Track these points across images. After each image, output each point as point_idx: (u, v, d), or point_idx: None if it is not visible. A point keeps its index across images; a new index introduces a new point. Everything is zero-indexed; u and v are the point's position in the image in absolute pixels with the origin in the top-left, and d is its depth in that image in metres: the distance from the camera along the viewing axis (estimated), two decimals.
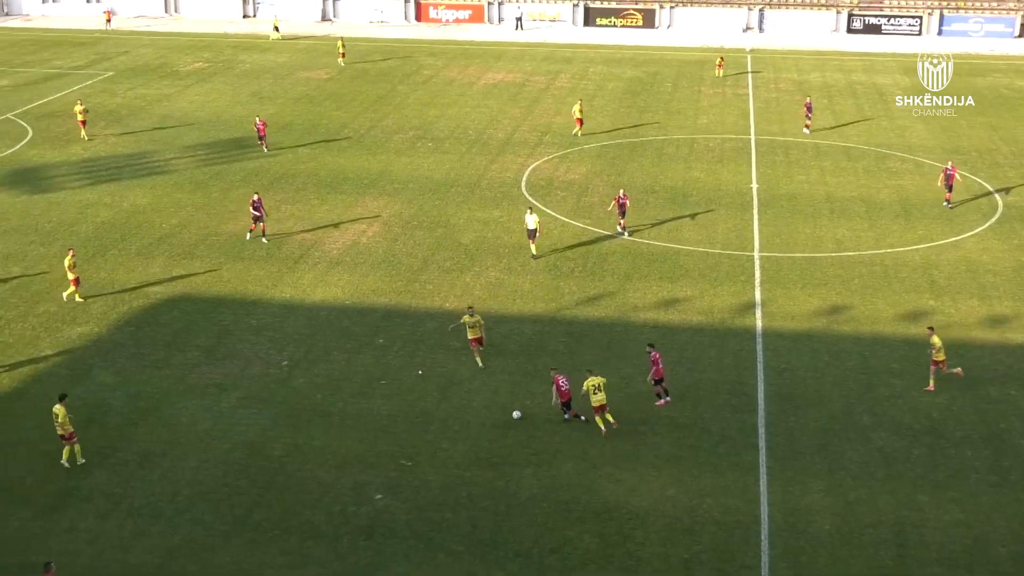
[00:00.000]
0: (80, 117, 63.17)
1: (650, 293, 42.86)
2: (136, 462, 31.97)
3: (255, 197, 48.63)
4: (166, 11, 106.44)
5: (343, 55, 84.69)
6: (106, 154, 60.65)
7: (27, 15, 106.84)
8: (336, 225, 50.08)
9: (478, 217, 51.09)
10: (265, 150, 60.74)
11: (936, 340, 35.98)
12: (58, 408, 31.64)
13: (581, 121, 64.13)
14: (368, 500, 30.33)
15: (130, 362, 37.70)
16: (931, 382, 35.96)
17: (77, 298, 42.18)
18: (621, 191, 49.47)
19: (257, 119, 62.54)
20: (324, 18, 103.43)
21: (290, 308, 41.69)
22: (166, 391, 35.84)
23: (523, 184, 55.73)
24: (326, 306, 42.02)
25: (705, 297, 42.73)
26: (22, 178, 56.73)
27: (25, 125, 66.50)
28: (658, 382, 35.00)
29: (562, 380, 34.12)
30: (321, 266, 45.50)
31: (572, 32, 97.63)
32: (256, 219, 48.28)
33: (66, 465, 31.67)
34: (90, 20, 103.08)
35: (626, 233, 48.46)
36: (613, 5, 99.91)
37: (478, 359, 37.41)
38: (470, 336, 37.63)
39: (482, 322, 37.90)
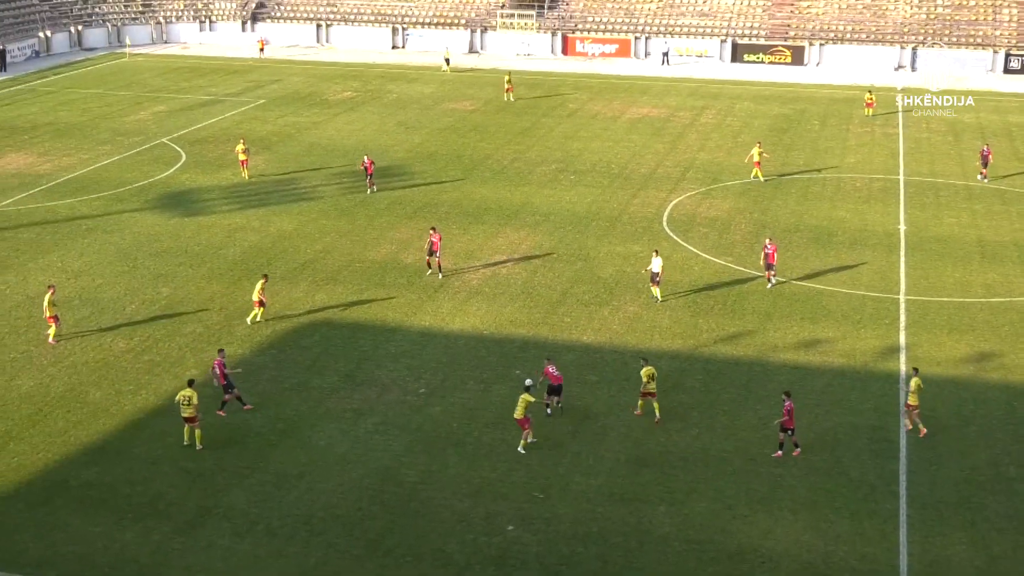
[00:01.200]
0: (242, 156, 62.07)
1: (790, 333, 42.33)
2: (273, 483, 32.60)
3: (432, 233, 47.78)
4: (318, 41, 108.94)
5: (510, 89, 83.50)
6: (255, 180, 62.18)
7: (185, 43, 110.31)
8: (477, 255, 50.55)
9: (618, 251, 51.09)
10: (373, 189, 59.68)
11: (914, 383, 34.97)
12: (191, 392, 34.18)
13: (759, 164, 61.88)
14: (500, 530, 30.45)
15: (271, 384, 38.50)
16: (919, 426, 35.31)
17: (258, 319, 43.24)
18: (767, 240, 48.15)
19: (365, 157, 61.24)
20: (471, 50, 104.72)
21: (428, 336, 42.15)
22: (304, 414, 36.51)
23: (664, 219, 55.59)
24: (464, 335, 42.39)
25: (847, 339, 42.04)
26: (174, 201, 58.47)
27: (179, 149, 68.57)
28: (787, 431, 34.31)
29: (552, 368, 36.33)
30: (460, 295, 45.95)
31: (719, 68, 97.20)
32: (431, 253, 47.49)
33: (186, 443, 34.25)
34: (244, 48, 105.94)
35: (773, 283, 46.96)
36: (762, 41, 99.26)
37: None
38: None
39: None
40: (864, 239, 52.85)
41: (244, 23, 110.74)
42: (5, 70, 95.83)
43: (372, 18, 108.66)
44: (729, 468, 33.25)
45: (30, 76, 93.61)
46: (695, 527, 30.60)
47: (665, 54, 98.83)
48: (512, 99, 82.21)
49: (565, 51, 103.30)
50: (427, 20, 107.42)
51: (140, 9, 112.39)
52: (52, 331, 41.57)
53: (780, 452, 34.11)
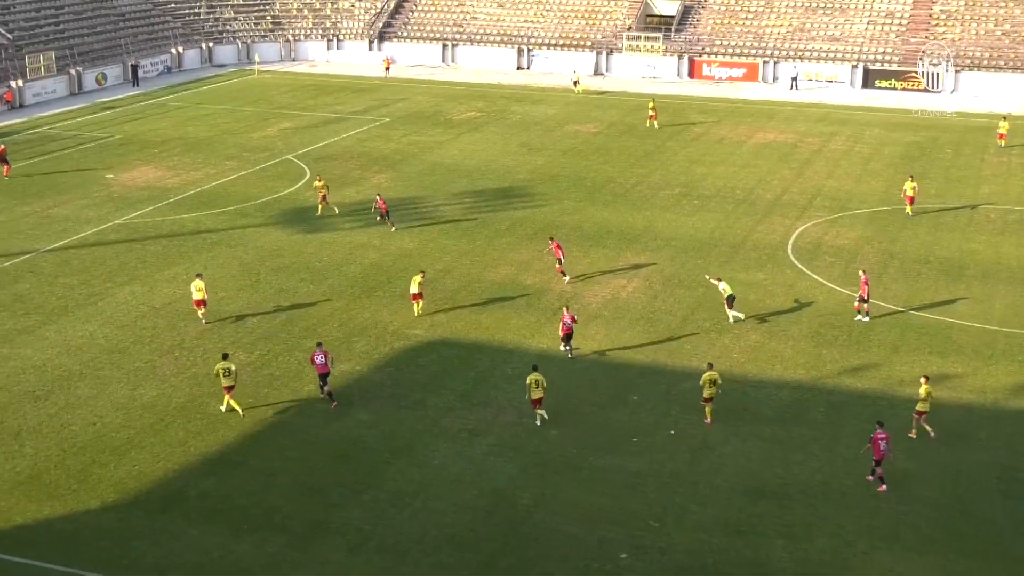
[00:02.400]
0: (321, 192, 59.49)
1: (918, 367, 41.48)
2: (387, 500, 32.89)
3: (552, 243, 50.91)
4: (443, 61, 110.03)
5: (654, 116, 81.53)
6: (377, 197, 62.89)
7: (313, 61, 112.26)
8: (596, 278, 50.51)
9: (740, 279, 50.65)
10: (393, 229, 56.72)
11: (924, 390, 36.30)
12: (229, 363, 37.84)
13: (912, 199, 60.24)
14: (612, 558, 30.32)
15: (387, 402, 38.89)
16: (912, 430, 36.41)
17: (416, 313, 45.99)
18: (862, 271, 47.48)
19: (378, 197, 58.30)
20: (596, 72, 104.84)
21: (546, 358, 42.18)
22: (420, 432, 36.79)
23: (789, 247, 54.99)
24: (581, 359, 42.36)
25: (978, 375, 41.10)
26: (298, 217, 59.46)
27: (304, 166, 69.75)
28: (878, 463, 33.67)
29: (567, 316, 41.68)
30: (579, 318, 45.91)
31: (849, 93, 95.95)
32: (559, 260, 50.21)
33: (223, 409, 37.93)
34: (371, 67, 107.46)
35: (864, 317, 46.02)
36: (894, 67, 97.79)
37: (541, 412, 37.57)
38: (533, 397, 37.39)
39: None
40: (997, 272, 51.68)
41: (371, 42, 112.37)
42: (137, 85, 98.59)
43: (498, 39, 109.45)
44: (850, 503, 32.71)
45: (161, 91, 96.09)
46: (814, 563, 30.13)
47: (794, 79, 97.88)
48: (656, 126, 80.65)
49: (691, 74, 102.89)
50: (553, 41, 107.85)
51: (270, 27, 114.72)
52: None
53: (884, 486, 33.60)
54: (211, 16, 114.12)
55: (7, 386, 39.82)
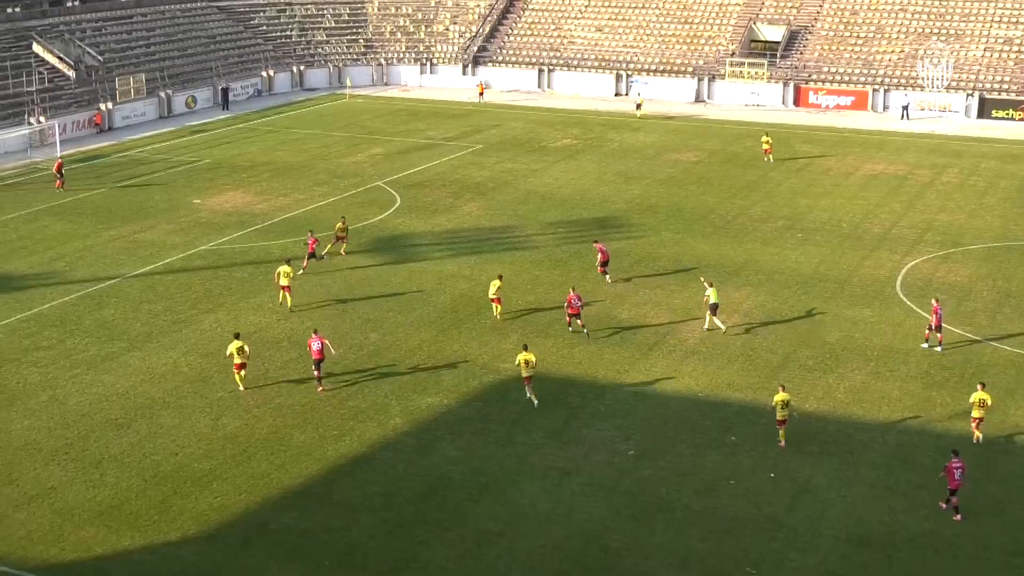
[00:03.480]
0: (339, 234, 57.69)
1: None
2: (473, 539, 32.88)
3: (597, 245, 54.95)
4: (539, 86, 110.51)
5: (769, 150, 79.99)
6: (469, 226, 63.27)
7: (405, 85, 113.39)
8: (694, 313, 50.23)
9: (846, 315, 50.06)
10: (303, 268, 54.91)
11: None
12: (241, 343, 42.17)
13: None
14: None
15: (475, 437, 38.95)
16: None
17: (496, 315, 49.20)
18: (934, 300, 47.35)
19: (309, 234, 56.86)
20: (698, 99, 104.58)
21: (640, 396, 42.01)
22: (508, 470, 36.77)
23: (898, 283, 54.25)
24: (677, 396, 42.11)
25: None
26: (387, 245, 59.94)
27: (394, 193, 70.36)
28: (952, 492, 33.73)
29: (573, 296, 46.83)
30: (676, 355, 45.70)
31: (964, 124, 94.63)
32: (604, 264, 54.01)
33: (242, 388, 42.22)
34: (464, 92, 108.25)
35: (937, 347, 46.07)
36: (1012, 96, 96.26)
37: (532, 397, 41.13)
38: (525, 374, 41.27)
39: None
40: None
41: (465, 66, 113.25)
42: (228, 108, 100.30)
43: (596, 64, 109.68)
44: (960, 554, 32.06)
45: (251, 115, 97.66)
46: None
47: (905, 108, 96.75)
48: (771, 160, 79.43)
49: (797, 102, 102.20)
50: (652, 67, 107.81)
51: (362, 50, 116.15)
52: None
53: (958, 516, 33.61)
54: (303, 39, 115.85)
55: (90, 413, 40.56)
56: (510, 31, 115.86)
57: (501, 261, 57.15)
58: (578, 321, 47.51)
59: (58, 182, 71.61)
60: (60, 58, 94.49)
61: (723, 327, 48.01)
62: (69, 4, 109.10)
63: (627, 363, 44.96)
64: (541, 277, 54.96)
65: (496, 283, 49.39)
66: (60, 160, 73.77)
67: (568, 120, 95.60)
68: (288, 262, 51.64)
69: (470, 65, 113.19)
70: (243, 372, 42.57)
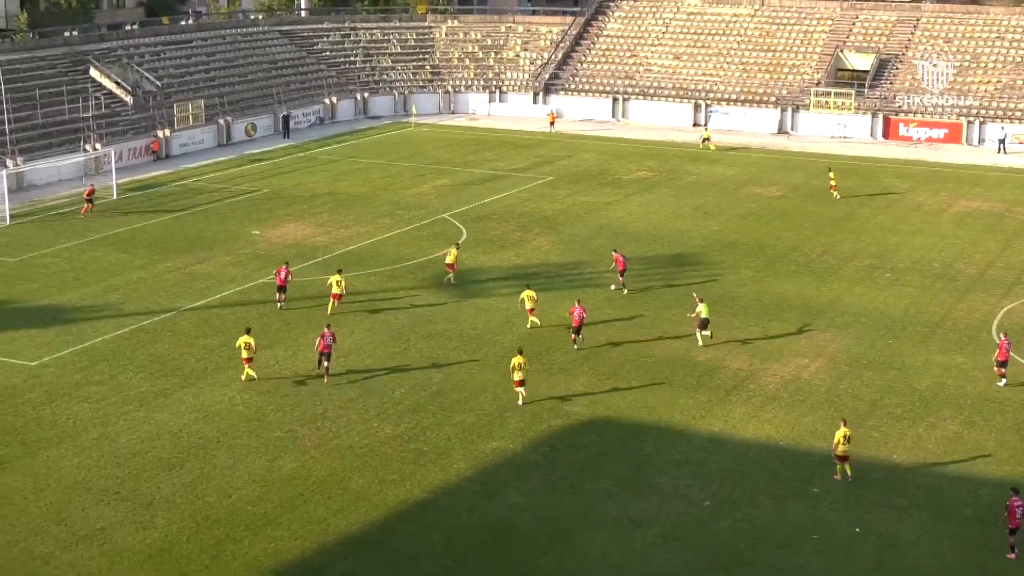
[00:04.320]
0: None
1: None
2: None
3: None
4: (613, 115, 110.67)
5: (834, 186, 79.29)
6: (538, 262, 63.35)
7: (473, 113, 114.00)
8: (776, 356, 49.90)
9: (937, 361, 49.50)
10: (279, 305, 55.83)
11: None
12: (249, 338, 46.56)
13: None
14: None
15: (542, 484, 38.84)
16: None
17: (529, 325, 52.25)
18: (1002, 335, 47.98)
19: (284, 266, 56.76)
20: (780, 130, 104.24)
21: (717, 443, 41.74)
22: (576, 518, 36.62)
23: (994, 327, 53.57)
24: (756, 444, 41.79)
25: None
26: (452, 280, 60.07)
27: (460, 226, 70.61)
28: (1012, 532, 33.76)
29: (578, 309, 49.99)
30: (755, 400, 45.39)
31: None
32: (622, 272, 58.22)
33: (254, 377, 46.73)
34: (535, 122, 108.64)
35: (1000, 381, 46.95)
36: None
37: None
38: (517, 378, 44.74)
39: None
40: None
41: (536, 94, 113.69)
42: (288, 137, 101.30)
43: (673, 93, 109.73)
44: None
45: (312, 144, 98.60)
46: None
47: (1002, 141, 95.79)
48: (838, 196, 78.78)
49: (886, 135, 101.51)
50: (733, 97, 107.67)
51: (428, 77, 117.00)
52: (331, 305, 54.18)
53: (1013, 554, 33.97)
54: (367, 65, 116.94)
55: (140, 452, 40.91)
56: (583, 58, 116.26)
57: (570, 298, 56.97)
58: (576, 335, 50.73)
59: (85, 207, 73.50)
60: (117, 83, 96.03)
61: (710, 337, 51.28)
62: (127, 28, 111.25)
63: (703, 408, 44.71)
64: (614, 316, 54.85)
65: (530, 293, 53.25)
66: (92, 187, 75.37)
67: (643, 151, 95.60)
68: (340, 271, 55.63)
69: (541, 93, 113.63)
70: (250, 364, 47.02)
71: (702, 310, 51.04)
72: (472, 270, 61.83)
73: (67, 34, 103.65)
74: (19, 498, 37.58)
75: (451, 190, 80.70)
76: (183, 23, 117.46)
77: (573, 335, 50.76)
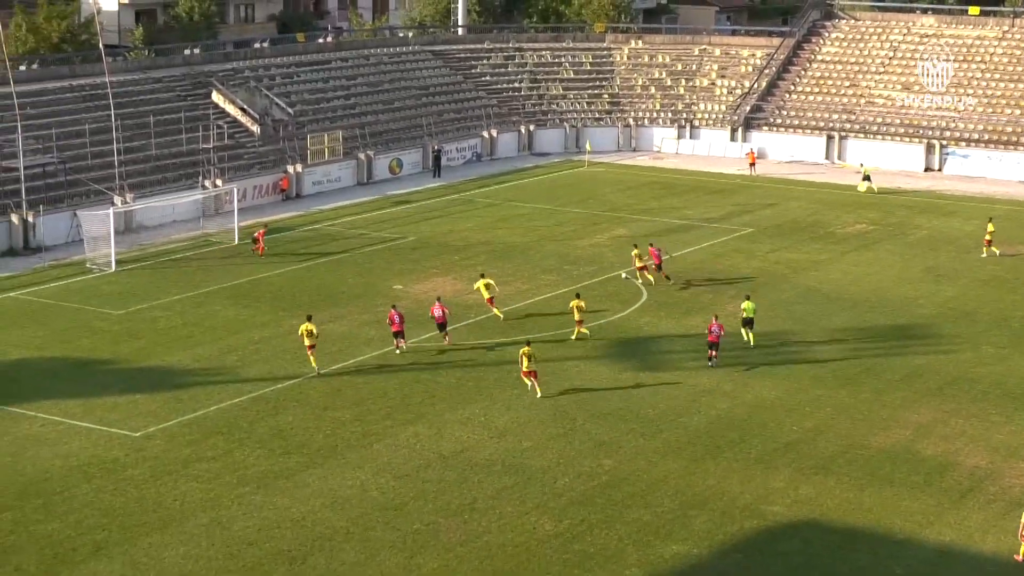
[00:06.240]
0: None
1: None
2: None
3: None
4: (827, 157, 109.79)
5: (989, 241, 78.11)
6: (733, 329, 62.81)
7: (658, 151, 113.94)
8: (1023, 452, 48.81)
9: None
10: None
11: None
12: (311, 325, 56.23)
13: None
14: None
15: None
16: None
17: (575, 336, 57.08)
18: None
19: (437, 303, 61.04)
20: None
21: (948, 556, 40.87)
22: None
23: None
24: (997, 560, 40.80)
25: None
26: (628, 350, 60.01)
27: (639, 285, 70.52)
28: None
29: (715, 327, 57.33)
30: (996, 505, 44.36)
31: None
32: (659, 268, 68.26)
33: (318, 371, 55.65)
34: (731, 162, 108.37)
35: None
36: None
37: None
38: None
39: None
40: None
41: (734, 130, 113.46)
42: (439, 176, 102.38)
43: (900, 131, 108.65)
44: None
45: (468, 184, 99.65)
46: None
47: None
48: (996, 252, 77.54)
49: None
50: (975, 137, 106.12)
51: (606, 108, 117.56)
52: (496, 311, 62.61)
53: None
54: (534, 93, 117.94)
55: (257, 542, 41.43)
56: (792, 87, 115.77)
57: (772, 375, 56.62)
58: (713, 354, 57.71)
59: (258, 247, 76.86)
60: (243, 109, 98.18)
61: (746, 336, 59.94)
62: (256, 46, 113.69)
63: (932, 513, 43.86)
64: (823, 398, 54.16)
65: (579, 303, 61.02)
66: (265, 228, 78.77)
67: (861, 200, 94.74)
68: (483, 275, 64.49)
69: (740, 128, 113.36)
70: (313, 352, 56.14)
71: (746, 308, 59.81)
72: (653, 337, 61.62)
73: (187, 52, 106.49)
74: None
75: (629, 243, 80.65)
76: (320, 41, 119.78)
77: (710, 351, 57.33)
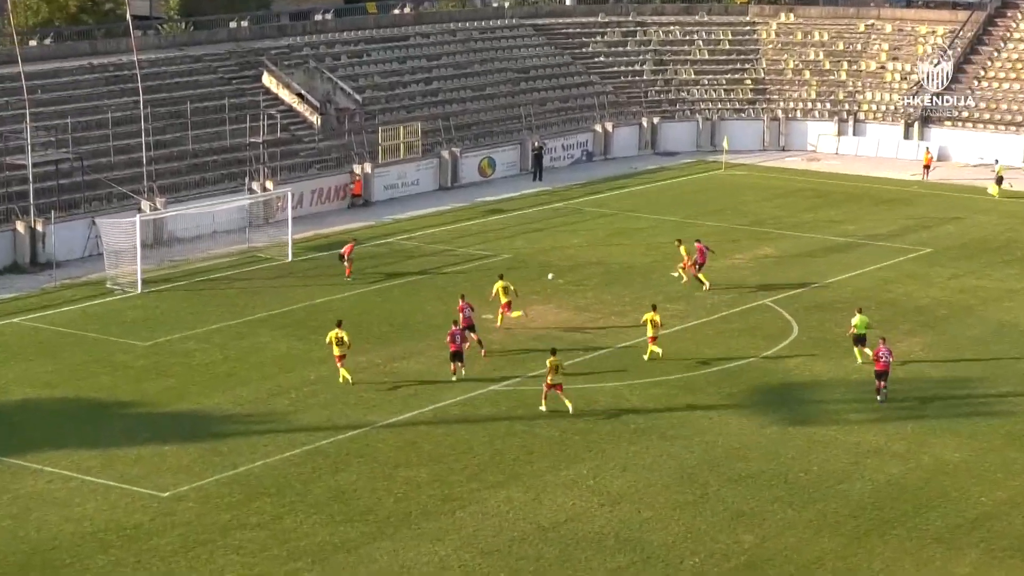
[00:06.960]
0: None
1: None
2: None
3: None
4: None
5: None
6: (905, 375, 62.12)
7: (813, 151, 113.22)
8: None
9: None
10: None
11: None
12: (342, 332, 59.57)
13: None
14: None
15: None
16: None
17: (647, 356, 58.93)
18: None
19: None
20: None
21: None
22: None
23: None
24: None
25: None
26: (776, 397, 59.64)
27: (788, 317, 70.12)
28: None
29: (882, 350, 57.14)
30: None
31: None
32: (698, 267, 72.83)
33: (349, 381, 59.83)
34: (905, 165, 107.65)
35: None
36: None
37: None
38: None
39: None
40: None
41: (909, 125, 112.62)
42: (540, 178, 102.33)
43: None
44: None
45: (575, 189, 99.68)
46: None
47: None
48: None
49: None
50: None
51: (749, 96, 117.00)
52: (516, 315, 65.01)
53: None
54: (659, 77, 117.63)
55: None
56: (982, 72, 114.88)
57: (955, 432, 55.97)
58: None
59: (347, 269, 76.87)
60: (300, 95, 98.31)
61: (860, 358, 61.66)
62: (318, 18, 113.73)
63: None
64: (1018, 462, 53.44)
65: (654, 316, 62.88)
66: (354, 241, 78.46)
67: None
68: (501, 277, 67.48)
69: (917, 123, 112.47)
70: (344, 362, 60.03)
71: (857, 323, 61.75)
72: (804, 383, 61.21)
73: (233, 25, 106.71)
74: None
75: (777, 264, 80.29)
76: (396, 12, 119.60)
77: (878, 383, 58.60)
